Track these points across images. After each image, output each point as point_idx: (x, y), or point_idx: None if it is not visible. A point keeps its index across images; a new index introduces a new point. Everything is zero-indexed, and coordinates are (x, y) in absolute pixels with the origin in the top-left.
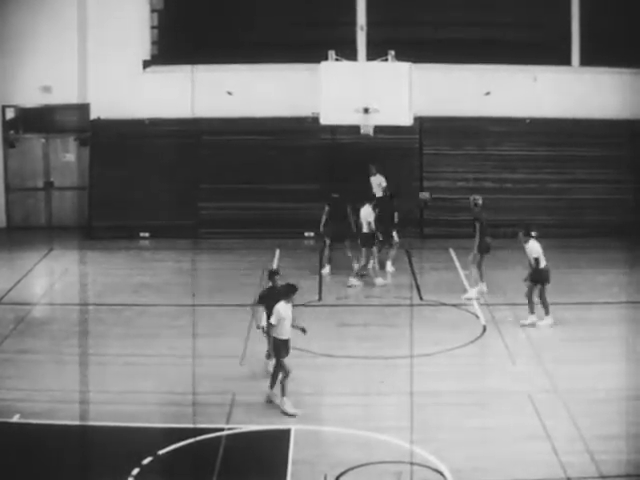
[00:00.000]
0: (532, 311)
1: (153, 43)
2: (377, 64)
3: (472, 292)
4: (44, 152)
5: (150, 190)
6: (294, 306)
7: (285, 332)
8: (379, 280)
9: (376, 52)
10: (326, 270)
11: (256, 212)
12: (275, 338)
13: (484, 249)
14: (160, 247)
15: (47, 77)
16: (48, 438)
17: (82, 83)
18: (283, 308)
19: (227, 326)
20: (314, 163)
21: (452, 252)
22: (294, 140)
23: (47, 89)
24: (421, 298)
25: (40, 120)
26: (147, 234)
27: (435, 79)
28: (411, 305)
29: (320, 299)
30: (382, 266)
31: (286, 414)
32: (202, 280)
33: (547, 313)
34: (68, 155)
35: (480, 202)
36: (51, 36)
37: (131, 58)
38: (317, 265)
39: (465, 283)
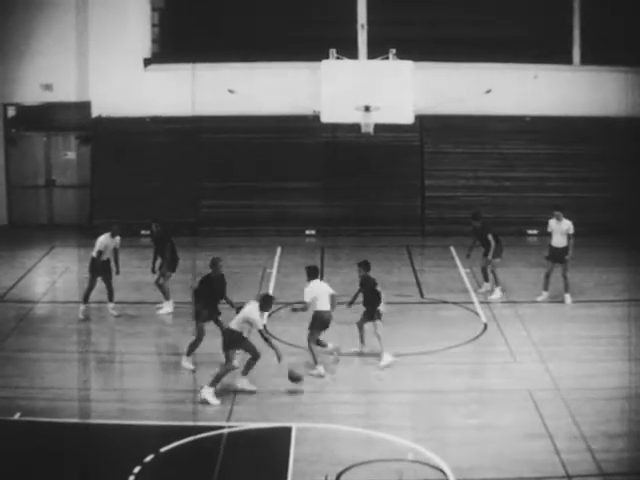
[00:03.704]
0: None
1: (154, 41)
2: (378, 62)
3: (497, 292)
4: (45, 150)
5: (151, 188)
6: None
7: None
8: None
9: (377, 50)
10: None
11: (257, 210)
12: None
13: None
14: None
15: (48, 75)
16: (49, 436)
17: (83, 81)
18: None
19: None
20: (315, 161)
21: (453, 250)
22: (295, 138)
23: (48, 87)
24: (422, 296)
25: (41, 118)
26: (148, 232)
27: (436, 77)
28: (412, 303)
29: None
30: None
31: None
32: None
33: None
34: (69, 153)
35: (478, 224)
36: (52, 34)
37: (132, 56)
38: (318, 262)
39: (466, 281)
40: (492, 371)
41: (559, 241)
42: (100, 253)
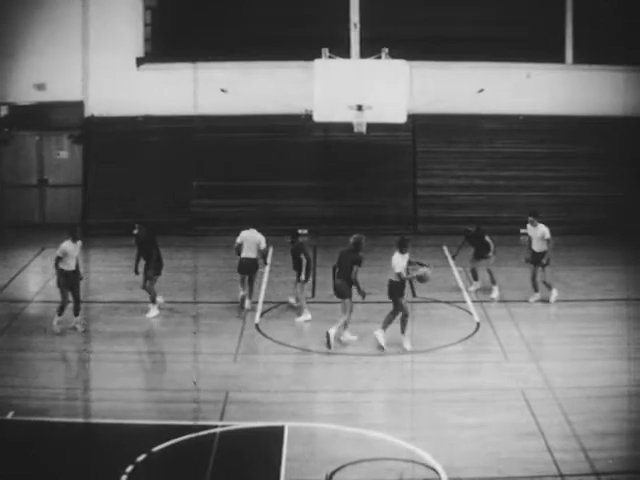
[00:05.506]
0: (536, 289)
1: (146, 40)
2: (370, 61)
3: (495, 291)
4: (38, 149)
5: (144, 187)
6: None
7: None
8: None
9: (369, 49)
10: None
11: (249, 209)
12: None
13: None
14: None
15: (41, 74)
16: (42, 435)
17: (76, 81)
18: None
19: (221, 324)
20: (307, 160)
21: (445, 249)
22: (287, 137)
23: (41, 86)
24: (414, 295)
25: (34, 117)
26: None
27: (428, 76)
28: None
29: (314, 296)
30: None
31: None
32: (196, 277)
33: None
34: (62, 152)
35: (473, 229)
36: (45, 34)
37: (125, 56)
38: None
39: (459, 280)
40: (484, 370)
41: (537, 246)
42: (59, 259)
